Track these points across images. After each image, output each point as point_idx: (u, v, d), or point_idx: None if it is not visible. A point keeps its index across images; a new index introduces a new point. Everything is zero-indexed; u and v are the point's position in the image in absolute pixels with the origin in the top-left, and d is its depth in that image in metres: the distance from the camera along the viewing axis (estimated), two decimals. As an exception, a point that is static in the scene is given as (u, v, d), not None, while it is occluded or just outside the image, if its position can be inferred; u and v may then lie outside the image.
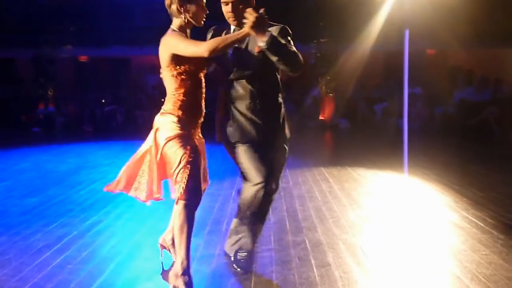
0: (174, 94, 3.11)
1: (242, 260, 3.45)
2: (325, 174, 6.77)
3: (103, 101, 13.73)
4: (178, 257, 3.03)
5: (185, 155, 2.99)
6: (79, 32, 13.48)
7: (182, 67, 3.05)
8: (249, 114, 3.22)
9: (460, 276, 3.31)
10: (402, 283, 3.28)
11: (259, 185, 3.20)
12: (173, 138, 3.03)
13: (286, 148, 3.39)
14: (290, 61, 3.07)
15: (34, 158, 8.80)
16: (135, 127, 12.95)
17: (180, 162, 2.99)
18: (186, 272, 2.99)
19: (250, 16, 2.88)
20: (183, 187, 2.97)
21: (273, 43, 2.95)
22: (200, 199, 3.09)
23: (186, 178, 2.97)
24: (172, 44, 3.02)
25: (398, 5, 8.04)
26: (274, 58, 3.02)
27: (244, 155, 3.26)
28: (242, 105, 3.24)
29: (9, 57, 14.90)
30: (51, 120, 13.07)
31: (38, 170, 7.54)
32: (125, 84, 14.66)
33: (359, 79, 13.18)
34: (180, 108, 3.10)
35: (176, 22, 3.11)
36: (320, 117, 12.90)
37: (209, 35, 3.30)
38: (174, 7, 3.05)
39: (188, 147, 3.02)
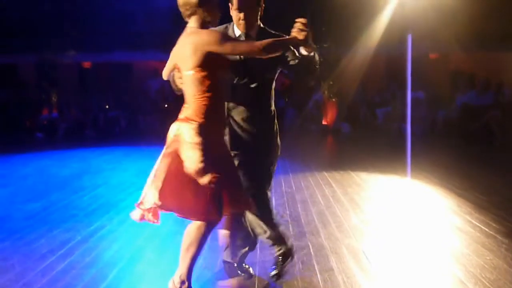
0: (198, 99, 2.86)
1: (244, 265, 3.46)
2: (327, 178, 6.77)
3: (107, 106, 13.76)
4: (178, 270, 2.94)
5: (209, 173, 2.79)
6: (81, 38, 13.54)
7: (213, 68, 2.85)
8: (245, 122, 3.20)
9: (464, 281, 3.30)
10: (406, 287, 3.28)
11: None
12: (197, 150, 2.79)
13: (278, 154, 3.39)
14: (313, 75, 3.19)
15: (37, 163, 8.83)
16: (138, 132, 12.98)
17: (203, 179, 2.77)
18: (183, 285, 2.91)
19: (304, 27, 2.87)
20: (204, 207, 2.79)
21: (315, 56, 3.06)
22: (217, 223, 2.92)
23: (208, 198, 2.77)
24: (213, 41, 2.79)
25: (400, 9, 8.06)
26: (304, 69, 3.11)
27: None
28: (238, 113, 3.22)
29: (12, 62, 14.97)
30: (55, 126, 13.11)
31: (41, 175, 7.57)
32: (127, 89, 14.70)
33: (361, 83, 13.20)
34: (204, 114, 2.84)
35: (196, 22, 2.91)
36: (323, 122, 12.91)
37: None
38: (202, 9, 2.89)
39: (214, 162, 2.81)
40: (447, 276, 3.41)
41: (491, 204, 5.17)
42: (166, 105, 13.87)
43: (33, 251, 4.06)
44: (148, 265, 3.74)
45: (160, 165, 2.93)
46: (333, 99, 12.78)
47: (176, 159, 2.85)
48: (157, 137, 13.84)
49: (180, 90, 3.06)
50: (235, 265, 3.46)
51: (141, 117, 13.45)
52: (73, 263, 3.77)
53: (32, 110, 13.49)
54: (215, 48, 2.79)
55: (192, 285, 2.99)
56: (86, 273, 3.57)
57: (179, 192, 2.85)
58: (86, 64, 15.82)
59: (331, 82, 12.60)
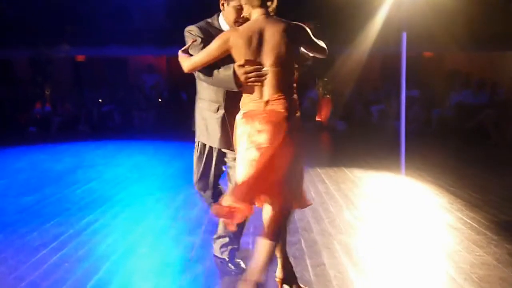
0: (289, 92, 2.86)
1: (236, 260, 3.47)
2: (321, 175, 6.78)
3: (100, 100, 13.73)
4: (260, 263, 2.83)
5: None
6: (76, 32, 13.49)
7: (298, 60, 2.96)
8: None
9: (455, 277, 3.33)
10: (397, 283, 3.30)
11: None
12: (302, 140, 2.92)
13: None
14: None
15: (31, 157, 8.80)
16: (132, 127, 12.96)
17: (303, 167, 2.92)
18: (259, 284, 2.81)
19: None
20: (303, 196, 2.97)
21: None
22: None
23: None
24: (309, 36, 2.95)
25: (396, 7, 8.07)
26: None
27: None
28: (233, 110, 3.16)
29: (6, 57, 14.88)
30: (48, 120, 13.06)
31: (34, 169, 7.55)
32: (122, 84, 14.66)
33: (357, 81, 13.23)
34: (297, 106, 2.90)
35: (264, 12, 2.88)
36: (317, 119, 12.93)
37: (197, 32, 3.17)
38: None
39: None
40: (438, 272, 3.44)
41: (483, 202, 5.20)
42: (160, 100, 13.86)
43: (26, 244, 4.06)
44: (141, 259, 3.74)
45: (254, 163, 2.78)
46: (328, 96, 12.81)
47: (279, 153, 2.75)
48: (151, 132, 13.77)
49: (241, 86, 2.89)
50: (227, 259, 3.48)
51: (135, 112, 13.42)
52: (65, 256, 3.77)
53: (25, 104, 13.43)
54: (309, 41, 2.96)
55: (185, 280, 2.99)
56: (78, 267, 3.58)
57: (282, 181, 2.79)
58: (80, 59, 15.75)
59: (326, 79, 12.62)
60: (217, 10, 3.28)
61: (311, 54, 3.13)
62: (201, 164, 3.40)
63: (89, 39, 13.72)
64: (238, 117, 2.94)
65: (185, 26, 3.25)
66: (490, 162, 7.83)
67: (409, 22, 6.81)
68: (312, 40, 3.01)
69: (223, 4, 3.20)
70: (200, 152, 3.39)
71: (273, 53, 2.81)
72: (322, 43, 3.10)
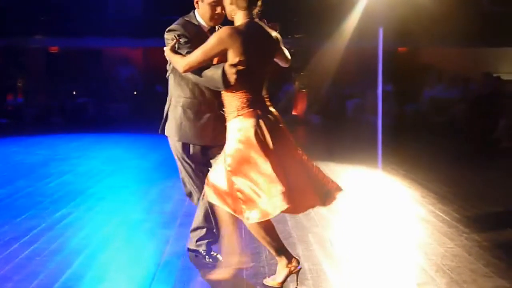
0: (266, 91, 3.10)
1: (212, 252, 3.47)
2: (297, 168, 6.80)
3: (74, 92, 13.52)
4: None
5: None
6: (50, 22, 13.23)
7: None
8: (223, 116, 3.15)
9: (426, 268, 3.40)
10: (370, 275, 3.35)
11: None
12: None
13: None
14: None
15: (2, 149, 8.62)
16: (107, 119, 12.79)
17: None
18: None
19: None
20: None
21: None
22: None
23: None
24: (281, 45, 3.11)
25: (373, 2, 8.14)
26: None
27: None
28: (220, 107, 3.16)
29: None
30: (20, 111, 12.81)
31: (6, 162, 7.40)
32: (97, 76, 14.43)
33: (333, 75, 13.30)
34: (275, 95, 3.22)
35: (248, 16, 2.92)
36: (293, 112, 12.98)
37: (182, 31, 3.12)
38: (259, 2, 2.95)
39: None
40: (410, 263, 3.51)
41: (454, 195, 5.31)
42: (135, 93, 13.73)
43: (-4, 237, 3.99)
44: (115, 252, 3.71)
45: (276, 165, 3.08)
46: (304, 90, 12.86)
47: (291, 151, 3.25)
48: (126, 125, 13.57)
49: (229, 86, 2.84)
50: (203, 253, 3.46)
51: (110, 104, 13.26)
52: (37, 250, 3.71)
53: (-3, 95, 13.13)
54: (280, 51, 3.09)
55: (160, 273, 2.98)
56: (50, 260, 3.52)
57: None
58: (54, 50, 15.46)
59: (302, 74, 12.67)
60: (191, 2, 3.26)
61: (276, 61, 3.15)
62: (189, 167, 3.36)
63: (63, 29, 13.47)
64: (240, 118, 2.90)
65: (161, 18, 3.23)
66: (462, 156, 7.98)
67: (385, 17, 6.88)
68: (282, 49, 3.11)
69: (197, 2, 3.19)
70: (187, 153, 3.34)
71: (265, 58, 2.97)
72: (287, 52, 3.17)
